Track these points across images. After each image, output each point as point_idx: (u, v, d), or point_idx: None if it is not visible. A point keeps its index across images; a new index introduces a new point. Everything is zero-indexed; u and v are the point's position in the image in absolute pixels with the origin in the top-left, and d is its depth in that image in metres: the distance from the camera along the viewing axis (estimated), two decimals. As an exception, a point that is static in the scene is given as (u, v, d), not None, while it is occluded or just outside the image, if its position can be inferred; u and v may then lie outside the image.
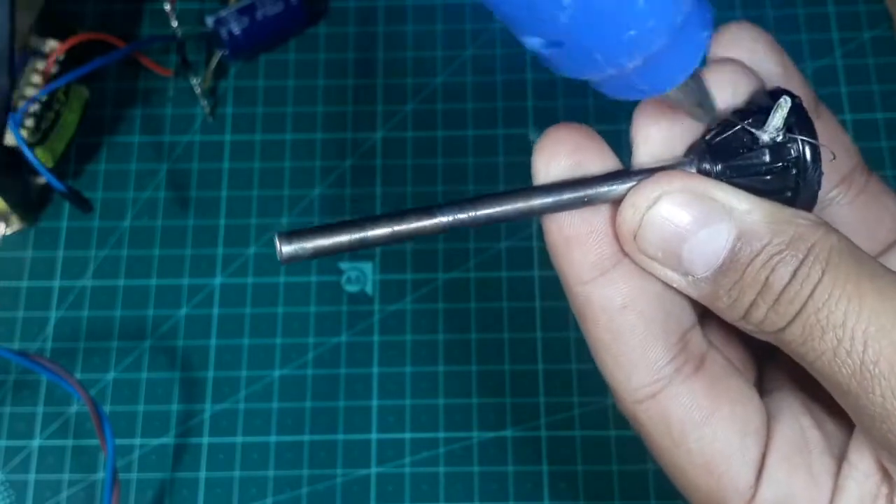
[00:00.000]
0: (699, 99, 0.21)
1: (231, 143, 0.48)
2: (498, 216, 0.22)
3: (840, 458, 0.23)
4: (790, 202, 0.22)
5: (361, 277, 0.45)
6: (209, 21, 0.47)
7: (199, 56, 0.49)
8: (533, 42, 0.19)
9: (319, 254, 0.21)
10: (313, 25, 0.50)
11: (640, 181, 0.21)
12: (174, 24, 0.47)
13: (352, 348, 0.44)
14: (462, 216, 0.22)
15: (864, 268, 0.20)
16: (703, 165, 0.22)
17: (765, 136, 0.21)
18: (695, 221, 0.21)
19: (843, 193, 0.25)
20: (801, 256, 0.20)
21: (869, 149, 0.46)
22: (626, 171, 0.22)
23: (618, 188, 0.22)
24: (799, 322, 0.20)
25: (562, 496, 0.42)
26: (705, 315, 0.24)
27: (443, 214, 0.22)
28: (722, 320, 0.23)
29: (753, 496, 0.22)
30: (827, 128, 0.24)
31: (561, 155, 0.23)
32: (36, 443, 0.43)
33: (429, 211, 0.21)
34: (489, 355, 0.44)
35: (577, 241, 0.22)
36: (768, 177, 0.22)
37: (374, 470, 0.42)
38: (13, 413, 0.43)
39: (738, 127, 0.22)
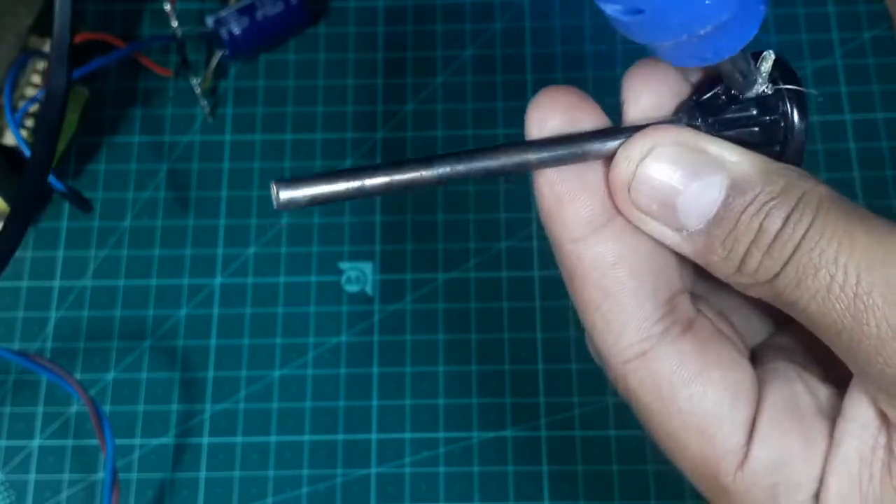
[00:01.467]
0: (744, 69, 0.22)
1: (231, 143, 0.48)
2: (494, 168, 0.22)
3: (834, 419, 0.23)
4: (779, 156, 0.22)
5: (361, 277, 0.45)
6: (209, 21, 0.47)
7: (199, 56, 0.49)
8: (613, 9, 0.20)
9: (317, 201, 0.21)
10: (313, 25, 0.50)
11: (632, 136, 0.22)
12: (174, 24, 0.47)
13: (352, 348, 0.44)
14: (459, 167, 0.22)
15: (853, 212, 0.21)
16: (692, 121, 0.22)
17: (751, 91, 0.22)
18: (688, 173, 0.21)
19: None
20: (792, 203, 0.21)
21: (869, 149, 0.46)
22: (619, 128, 0.22)
23: (611, 143, 0.22)
24: (793, 264, 0.21)
25: (562, 496, 0.42)
26: (695, 295, 0.24)
27: (440, 165, 0.21)
28: (713, 297, 0.23)
29: (746, 456, 0.22)
30: None
31: (555, 111, 0.23)
32: (36, 443, 0.43)
33: (427, 161, 0.21)
34: (489, 355, 0.44)
35: (569, 197, 0.22)
36: (756, 129, 0.22)
37: (374, 470, 0.42)
38: (13, 413, 0.43)
39: (721, 83, 0.22)
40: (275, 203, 0.20)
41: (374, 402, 0.43)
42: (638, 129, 0.22)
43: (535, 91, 0.52)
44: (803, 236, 0.20)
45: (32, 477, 0.42)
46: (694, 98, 0.23)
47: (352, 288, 0.45)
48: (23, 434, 0.43)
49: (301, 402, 0.43)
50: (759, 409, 0.23)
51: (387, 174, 0.21)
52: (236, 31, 0.47)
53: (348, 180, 0.21)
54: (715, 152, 0.21)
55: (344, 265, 0.46)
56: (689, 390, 0.22)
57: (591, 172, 0.22)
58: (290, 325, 0.45)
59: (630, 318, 0.22)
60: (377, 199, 0.47)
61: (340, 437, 0.43)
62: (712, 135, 0.22)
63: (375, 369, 0.44)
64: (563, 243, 0.22)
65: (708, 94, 0.22)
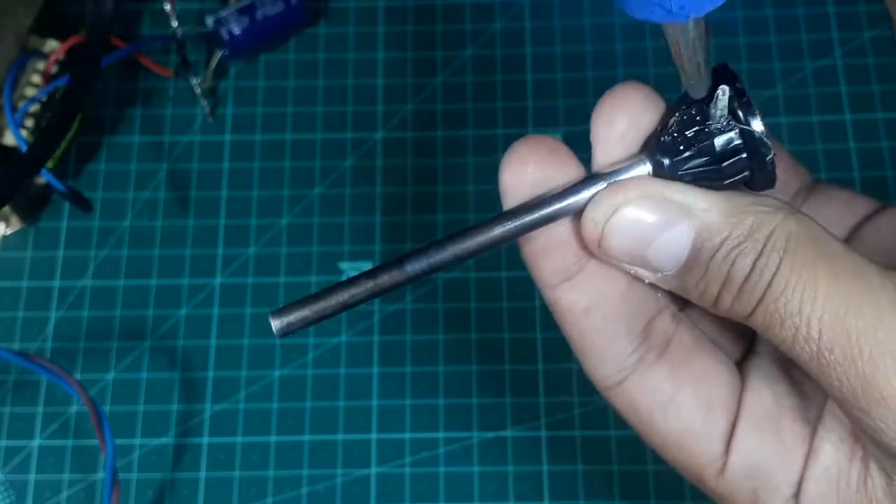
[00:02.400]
0: (699, 47, 0.21)
1: (231, 143, 0.48)
2: (465, 253, 0.23)
3: (815, 423, 0.23)
4: (749, 184, 0.22)
5: (361, 277, 0.45)
6: (209, 21, 0.47)
7: (199, 56, 0.49)
8: None
9: (309, 322, 0.23)
10: (313, 25, 0.50)
11: (597, 193, 0.22)
12: (174, 24, 0.47)
13: (352, 348, 0.44)
14: (433, 261, 0.23)
15: (821, 252, 0.21)
16: (657, 161, 0.22)
17: (711, 126, 0.22)
18: (655, 226, 0.22)
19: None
20: (759, 247, 0.21)
21: (869, 149, 0.46)
22: (585, 181, 0.23)
23: (577, 201, 0.23)
24: (760, 310, 0.21)
25: (562, 496, 0.42)
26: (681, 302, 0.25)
27: (411, 264, 0.23)
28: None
29: (724, 465, 0.24)
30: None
31: (524, 173, 0.23)
32: (36, 443, 0.43)
33: (398, 265, 0.23)
34: (489, 355, 0.44)
35: (542, 252, 0.23)
36: (723, 164, 0.22)
37: (374, 470, 0.42)
38: (13, 413, 0.43)
39: (683, 118, 0.22)
40: (275, 333, 0.22)
41: (374, 402, 0.43)
42: (603, 179, 0.22)
43: (534, 91, 0.52)
44: (769, 284, 0.21)
45: (32, 477, 0.42)
46: (659, 132, 0.23)
47: (352, 288, 0.45)
48: (23, 434, 0.43)
49: (301, 402, 0.43)
50: (738, 417, 0.24)
51: (365, 286, 0.23)
52: (236, 31, 0.47)
53: (333, 299, 0.23)
54: (680, 200, 0.22)
55: (344, 265, 0.46)
56: (664, 412, 0.24)
57: (560, 228, 0.23)
58: (290, 325, 0.45)
59: (605, 355, 0.24)
60: (377, 198, 0.47)
61: (340, 437, 0.43)
62: (679, 176, 0.22)
63: (375, 369, 0.44)
64: (543, 289, 0.24)
65: (670, 130, 0.22)
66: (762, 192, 0.22)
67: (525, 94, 0.48)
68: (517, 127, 0.48)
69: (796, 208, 0.22)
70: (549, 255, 0.23)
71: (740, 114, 0.22)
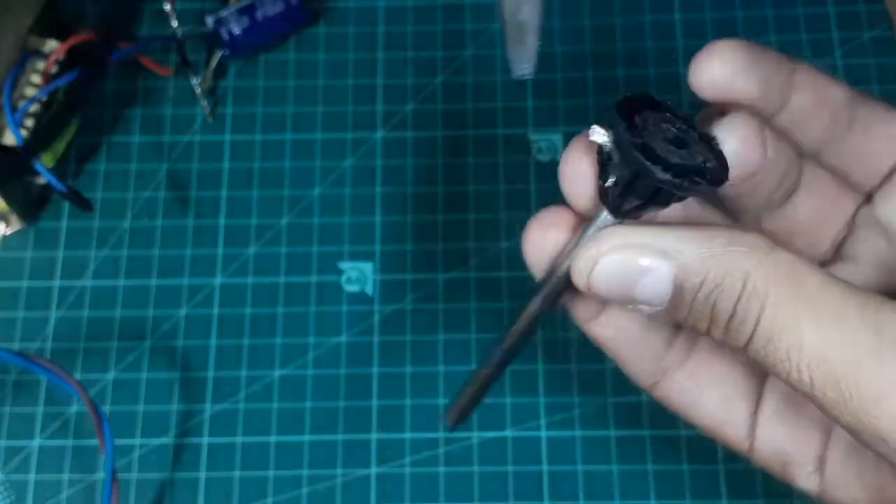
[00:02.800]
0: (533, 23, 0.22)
1: (231, 143, 0.48)
2: (526, 333, 0.27)
3: None
4: (708, 195, 0.23)
5: (361, 277, 0.45)
6: (209, 21, 0.47)
7: (199, 56, 0.49)
8: None
9: (466, 414, 0.28)
10: (313, 25, 0.50)
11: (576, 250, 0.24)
12: (174, 24, 0.47)
13: (352, 348, 0.44)
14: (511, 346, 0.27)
15: (801, 294, 0.21)
16: (615, 211, 0.23)
17: (522, 70, 0.22)
18: (634, 271, 0.23)
19: (827, 143, 0.26)
20: (737, 290, 0.22)
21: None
22: (572, 239, 0.24)
23: (567, 263, 0.24)
24: (752, 350, 0.22)
25: (562, 496, 0.42)
26: None
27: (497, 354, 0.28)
28: None
29: (751, 447, 0.27)
30: (807, 81, 0.25)
31: (543, 246, 0.25)
32: (36, 443, 0.43)
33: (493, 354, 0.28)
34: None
35: (570, 303, 0.26)
36: (651, 199, 0.23)
37: (374, 470, 0.42)
38: (13, 413, 0.43)
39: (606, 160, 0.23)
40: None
41: (374, 402, 0.43)
42: (582, 233, 0.24)
43: (535, 91, 0.52)
44: (753, 331, 0.22)
45: (32, 477, 0.42)
46: (602, 184, 0.23)
47: (352, 288, 0.45)
48: (23, 434, 0.43)
49: (301, 402, 0.43)
50: (759, 404, 0.27)
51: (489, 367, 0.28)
52: (236, 31, 0.47)
53: (473, 385, 0.28)
54: (653, 244, 0.23)
55: (344, 265, 0.46)
56: (693, 408, 0.27)
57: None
58: (290, 325, 0.45)
59: (636, 368, 0.27)
60: (377, 198, 0.47)
61: (340, 437, 0.43)
62: (636, 215, 0.23)
63: (375, 369, 0.44)
64: (579, 322, 0.27)
65: (610, 181, 0.23)
66: (737, 226, 0.23)
67: (525, 94, 0.48)
68: (517, 127, 0.48)
69: (772, 245, 0.22)
70: (576, 303, 0.26)
71: (627, 145, 0.22)
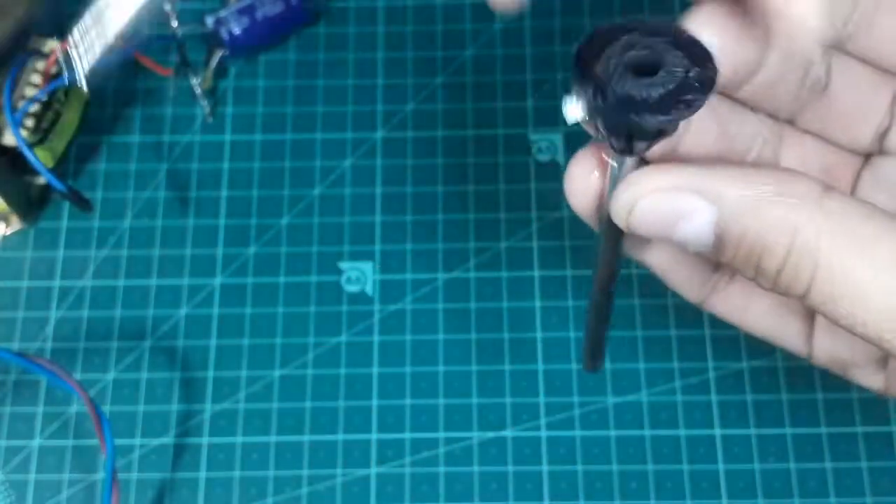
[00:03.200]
0: None
1: (231, 143, 0.48)
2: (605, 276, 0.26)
3: None
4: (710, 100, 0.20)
5: (361, 277, 0.45)
6: (209, 21, 0.47)
7: (199, 56, 0.48)
8: None
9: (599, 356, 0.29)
10: (313, 25, 0.50)
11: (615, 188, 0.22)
12: (174, 24, 0.46)
13: (352, 348, 0.44)
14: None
15: (857, 244, 0.20)
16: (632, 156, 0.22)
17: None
18: (673, 215, 0.21)
19: (856, 28, 0.24)
20: (786, 246, 0.20)
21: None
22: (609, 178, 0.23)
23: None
24: (808, 303, 0.21)
25: (562, 496, 0.42)
26: None
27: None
28: None
29: (811, 355, 0.26)
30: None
31: (587, 185, 0.25)
32: (36, 443, 0.43)
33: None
34: (489, 355, 0.44)
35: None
36: (667, 128, 0.21)
37: (374, 470, 0.42)
38: (13, 413, 0.43)
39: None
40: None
41: (374, 402, 0.43)
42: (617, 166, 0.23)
43: (535, 91, 0.52)
44: (809, 286, 0.20)
45: (32, 477, 0.42)
46: (607, 142, 0.22)
47: (352, 288, 0.45)
48: (23, 434, 0.43)
49: (301, 402, 0.43)
50: (814, 318, 0.26)
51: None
52: (236, 31, 0.47)
53: (589, 334, 0.28)
54: (694, 186, 0.21)
55: (344, 265, 0.46)
56: (746, 320, 0.27)
57: None
58: (290, 325, 0.45)
59: (685, 287, 0.27)
60: (377, 198, 0.47)
61: (340, 437, 0.43)
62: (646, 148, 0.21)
63: (375, 369, 0.44)
64: (632, 255, 0.27)
65: (612, 139, 0.22)
66: (787, 170, 0.21)
67: (525, 94, 0.48)
68: (517, 127, 0.48)
69: (828, 186, 0.21)
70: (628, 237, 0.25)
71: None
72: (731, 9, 0.22)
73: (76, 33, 0.19)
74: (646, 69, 0.20)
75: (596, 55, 0.21)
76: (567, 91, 0.21)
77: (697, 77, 0.20)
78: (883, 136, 0.25)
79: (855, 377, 0.26)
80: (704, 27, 0.22)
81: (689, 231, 0.21)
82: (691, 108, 0.20)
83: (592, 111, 0.20)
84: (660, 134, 0.21)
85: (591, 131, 0.23)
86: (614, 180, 0.22)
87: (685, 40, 0.21)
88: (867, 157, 0.26)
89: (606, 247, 0.24)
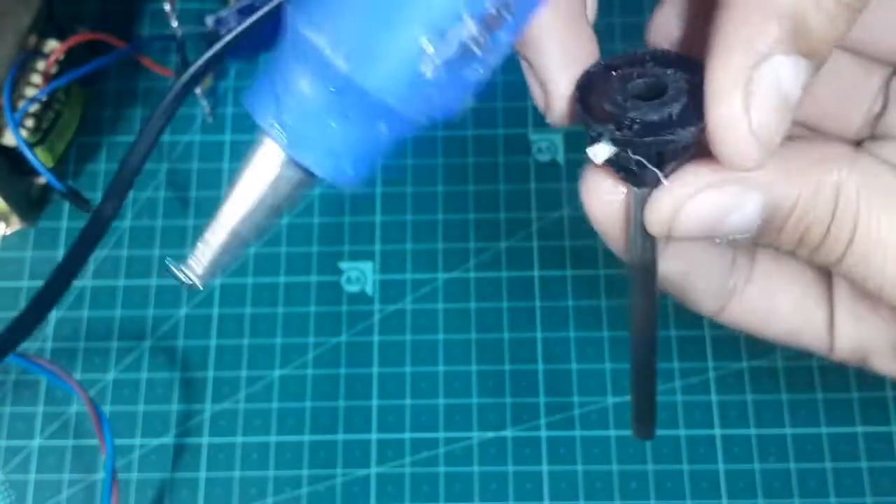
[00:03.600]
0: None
1: (231, 143, 0.48)
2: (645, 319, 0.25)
3: None
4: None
5: (361, 277, 0.45)
6: (209, 21, 0.47)
7: (199, 56, 0.48)
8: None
9: (649, 419, 0.27)
10: (313, 25, 0.50)
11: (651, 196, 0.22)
12: (174, 24, 0.46)
13: (352, 348, 0.44)
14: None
15: (891, 197, 0.20)
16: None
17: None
18: (721, 210, 0.21)
19: None
20: (831, 208, 0.21)
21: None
22: (635, 194, 0.23)
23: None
24: (841, 268, 0.21)
25: (562, 496, 0.42)
26: None
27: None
28: None
29: (832, 347, 0.26)
30: None
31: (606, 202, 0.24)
32: (36, 443, 0.43)
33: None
34: (489, 355, 0.44)
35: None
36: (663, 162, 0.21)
37: (374, 470, 0.42)
38: (13, 413, 0.43)
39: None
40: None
41: (374, 402, 0.43)
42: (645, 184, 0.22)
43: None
44: (847, 248, 0.21)
45: (32, 477, 0.42)
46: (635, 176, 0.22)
47: (352, 288, 0.45)
48: (23, 434, 0.43)
49: (301, 402, 0.43)
50: (833, 305, 0.26)
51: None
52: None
53: (636, 395, 0.26)
54: (740, 176, 0.21)
55: (344, 265, 0.46)
56: (766, 323, 0.26)
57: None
58: (290, 325, 0.45)
59: (702, 297, 0.26)
60: (377, 198, 0.47)
61: (340, 437, 0.43)
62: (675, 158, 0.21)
63: (375, 369, 0.44)
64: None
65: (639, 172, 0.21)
66: (817, 137, 0.22)
67: (525, 95, 0.48)
68: (517, 127, 0.48)
69: (855, 150, 0.21)
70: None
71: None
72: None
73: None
74: (651, 95, 0.21)
75: (598, 97, 0.21)
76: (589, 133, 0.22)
77: (701, 84, 0.20)
78: (875, 120, 0.26)
79: (875, 366, 0.26)
80: (673, 15, 0.23)
81: (737, 220, 0.22)
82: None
83: (621, 145, 0.21)
84: (687, 148, 0.21)
85: (614, 172, 0.23)
86: (640, 203, 0.22)
87: (670, 58, 0.22)
88: (858, 143, 0.26)
89: (642, 275, 0.24)
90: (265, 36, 0.48)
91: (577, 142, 0.46)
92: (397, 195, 0.47)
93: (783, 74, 0.20)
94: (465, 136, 0.48)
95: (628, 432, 0.42)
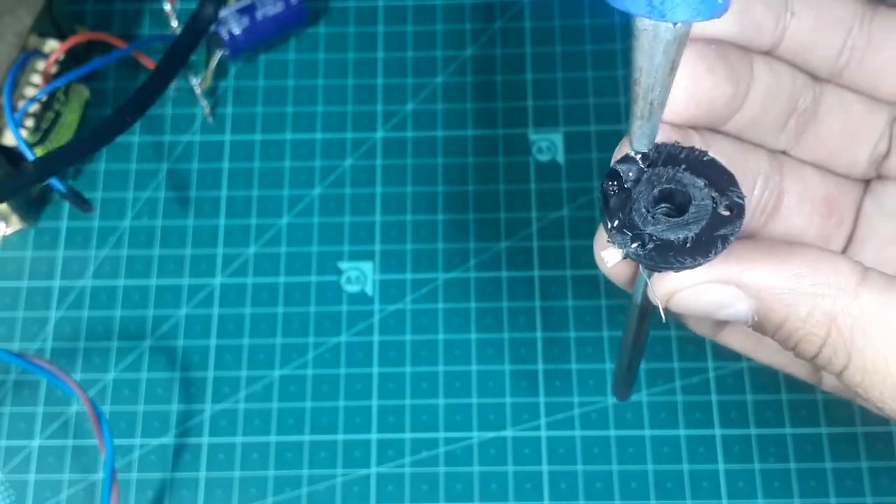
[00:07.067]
0: (665, 71, 0.20)
1: (231, 143, 0.48)
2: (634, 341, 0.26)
3: None
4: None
5: (361, 277, 0.45)
6: (209, 21, 0.47)
7: (199, 56, 0.49)
8: None
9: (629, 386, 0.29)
10: (313, 25, 0.50)
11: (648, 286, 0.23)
12: (174, 24, 0.47)
13: (352, 348, 0.44)
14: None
15: (890, 336, 0.20)
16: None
17: (641, 144, 0.22)
18: (713, 305, 0.22)
19: (847, 61, 0.25)
20: (822, 336, 0.21)
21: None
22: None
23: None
24: (843, 380, 0.22)
25: (562, 496, 0.42)
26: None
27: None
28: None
29: (820, 382, 0.27)
30: (807, 5, 0.25)
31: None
32: (36, 443, 0.43)
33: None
34: (489, 355, 0.44)
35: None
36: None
37: (374, 470, 0.42)
38: (13, 413, 0.43)
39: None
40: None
41: (374, 402, 0.43)
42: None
43: (535, 91, 0.52)
44: (844, 369, 0.21)
45: (32, 477, 0.42)
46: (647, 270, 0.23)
47: (352, 288, 0.45)
48: (23, 434, 0.43)
49: (301, 402, 0.43)
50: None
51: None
52: (236, 31, 0.47)
53: (622, 363, 0.28)
54: (732, 280, 0.22)
55: (344, 265, 0.46)
56: (754, 353, 0.28)
57: None
58: (290, 325, 0.45)
59: (696, 327, 0.28)
60: (377, 198, 0.47)
61: (340, 437, 0.43)
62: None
63: (375, 369, 0.44)
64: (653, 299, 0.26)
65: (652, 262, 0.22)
66: (824, 252, 0.22)
67: (525, 94, 0.48)
68: (517, 127, 0.48)
69: (866, 271, 0.21)
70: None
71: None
72: (702, 49, 0.23)
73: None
74: (674, 202, 0.21)
75: (621, 197, 0.21)
76: (604, 225, 0.22)
77: (727, 207, 0.21)
78: (881, 160, 0.26)
79: (864, 405, 0.26)
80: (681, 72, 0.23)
81: (733, 315, 0.22)
82: (727, 242, 0.21)
83: (633, 257, 0.21)
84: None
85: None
86: (647, 274, 0.23)
87: (705, 164, 0.22)
88: (867, 183, 0.26)
89: (641, 312, 0.25)
90: (265, 36, 0.48)
91: (577, 142, 0.46)
92: (397, 195, 0.47)
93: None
94: (465, 136, 0.48)
95: (628, 432, 0.42)
